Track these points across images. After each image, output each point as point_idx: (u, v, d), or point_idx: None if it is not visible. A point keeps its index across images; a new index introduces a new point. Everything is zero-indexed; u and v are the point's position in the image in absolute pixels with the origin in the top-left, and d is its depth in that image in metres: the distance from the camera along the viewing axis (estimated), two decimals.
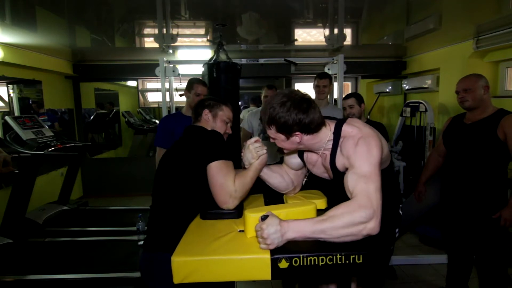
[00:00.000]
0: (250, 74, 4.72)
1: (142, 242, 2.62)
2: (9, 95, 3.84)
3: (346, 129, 1.22)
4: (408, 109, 3.96)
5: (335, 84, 3.49)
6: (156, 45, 3.34)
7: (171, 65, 3.45)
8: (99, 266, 2.41)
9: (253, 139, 1.39)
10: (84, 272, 2.28)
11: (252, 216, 1.11)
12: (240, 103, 4.27)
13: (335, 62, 3.49)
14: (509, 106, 2.24)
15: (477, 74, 2.02)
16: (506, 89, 3.47)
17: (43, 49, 3.84)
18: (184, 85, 2.63)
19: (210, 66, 2.65)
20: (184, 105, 2.62)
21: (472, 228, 2.08)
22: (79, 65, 4.75)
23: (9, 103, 3.85)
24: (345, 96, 2.56)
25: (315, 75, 2.91)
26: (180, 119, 2.45)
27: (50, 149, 2.82)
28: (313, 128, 1.19)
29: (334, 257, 0.98)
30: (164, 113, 3.43)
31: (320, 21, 3.03)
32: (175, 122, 2.43)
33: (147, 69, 4.39)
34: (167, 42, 3.06)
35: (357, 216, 1.01)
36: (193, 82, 2.44)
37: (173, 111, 3.51)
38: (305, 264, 0.98)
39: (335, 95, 3.54)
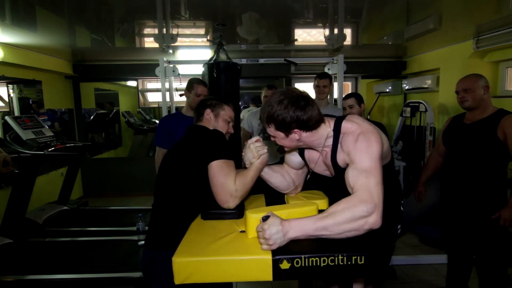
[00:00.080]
0: (250, 74, 4.72)
1: (142, 242, 2.63)
2: (9, 95, 3.84)
3: (345, 125, 1.23)
4: (408, 109, 3.96)
5: (335, 84, 3.49)
6: (156, 45, 3.33)
7: (171, 65, 3.45)
8: (99, 266, 2.40)
9: (254, 139, 1.39)
10: (84, 272, 2.28)
11: (253, 217, 1.11)
12: (240, 103, 4.26)
13: (335, 62, 3.49)
14: (509, 106, 2.24)
15: (477, 74, 2.02)
16: (506, 89, 3.47)
17: (43, 49, 3.84)
18: (184, 85, 2.63)
19: (210, 66, 2.65)
20: (184, 105, 2.62)
21: (472, 228, 2.08)
22: (79, 65, 4.74)
23: (9, 103, 3.85)
24: (345, 96, 2.56)
25: (315, 75, 2.91)
26: (180, 119, 2.45)
27: (50, 149, 2.82)
28: (311, 125, 1.20)
29: (336, 258, 0.98)
30: (164, 113, 3.43)
31: (320, 21, 3.03)
32: (175, 122, 2.44)
33: (147, 69, 4.38)
34: (167, 42, 3.06)
35: (358, 210, 1.02)
36: (193, 82, 2.43)
37: (173, 111, 3.51)
38: (306, 265, 0.98)
39: (335, 95, 3.54)
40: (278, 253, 0.99)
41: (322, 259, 0.98)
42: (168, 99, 3.53)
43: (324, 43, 3.41)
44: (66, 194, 3.74)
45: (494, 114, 1.95)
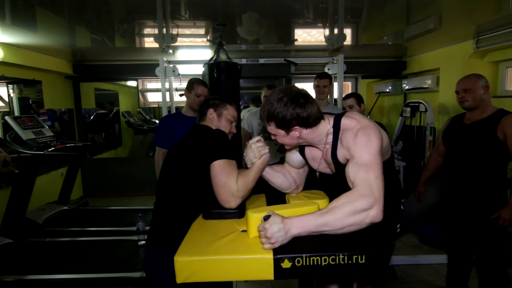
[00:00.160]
0: (250, 74, 4.72)
1: (142, 242, 2.63)
2: (9, 95, 3.84)
3: (345, 122, 1.23)
4: (408, 109, 3.96)
5: (335, 84, 3.49)
6: (156, 45, 3.33)
7: (171, 65, 3.45)
8: (99, 266, 2.40)
9: (255, 139, 1.39)
10: (84, 272, 2.28)
11: (255, 216, 1.11)
12: (240, 103, 4.27)
13: (335, 62, 3.49)
14: (509, 106, 2.25)
15: (477, 74, 2.02)
16: (506, 89, 3.48)
17: (43, 49, 3.84)
18: (184, 85, 2.63)
19: (211, 66, 2.65)
20: (184, 105, 2.62)
21: (472, 228, 2.08)
22: (79, 65, 4.74)
23: (9, 103, 3.85)
24: (345, 96, 2.56)
25: (315, 75, 2.91)
26: (180, 119, 2.45)
27: (50, 149, 2.82)
28: (311, 122, 1.20)
29: (337, 257, 0.98)
30: (164, 113, 3.42)
31: (320, 21, 3.03)
32: (175, 122, 2.43)
33: (147, 69, 4.38)
34: (167, 42, 3.06)
35: (359, 204, 1.02)
36: (193, 82, 2.43)
37: (173, 111, 3.51)
38: (307, 264, 0.98)
39: (335, 95, 3.54)
40: (279, 252, 0.99)
41: (323, 258, 0.98)
42: (168, 99, 3.53)
43: (324, 43, 3.41)
44: (66, 194, 3.74)
45: (494, 114, 1.95)
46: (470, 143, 1.99)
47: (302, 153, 1.44)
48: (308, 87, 3.70)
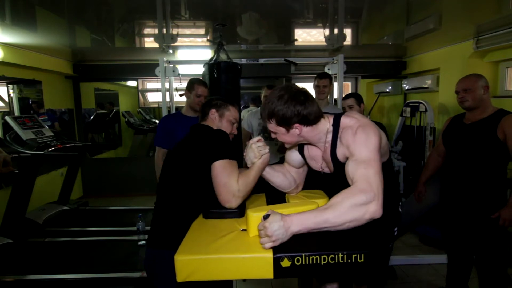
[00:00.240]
0: (250, 74, 4.72)
1: (142, 242, 2.63)
2: (9, 95, 3.84)
3: (344, 120, 1.25)
4: (408, 109, 3.96)
5: (335, 84, 3.49)
6: (156, 45, 3.33)
7: (171, 65, 3.45)
8: (99, 266, 2.40)
9: (255, 139, 1.40)
10: (84, 272, 2.28)
11: (254, 216, 1.11)
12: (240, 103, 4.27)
13: (335, 62, 3.49)
14: (509, 106, 2.25)
15: (477, 74, 2.02)
16: (506, 89, 3.48)
17: (43, 49, 3.84)
18: (184, 85, 2.63)
19: (211, 66, 2.65)
20: (184, 105, 2.62)
21: (471, 228, 2.08)
22: (79, 65, 4.74)
23: (9, 103, 3.85)
24: (345, 96, 2.56)
25: (315, 75, 2.91)
26: (180, 119, 2.45)
27: (50, 149, 2.82)
28: (312, 119, 1.21)
29: (336, 256, 0.98)
30: (164, 113, 3.43)
31: (320, 21, 3.03)
32: (175, 122, 2.43)
33: (147, 69, 4.38)
34: (167, 42, 3.06)
35: (358, 200, 1.02)
36: (194, 82, 2.43)
37: (173, 111, 3.51)
38: (307, 263, 0.98)
39: (335, 95, 3.55)
40: (279, 251, 1.00)
41: (322, 257, 0.98)
42: (168, 99, 3.54)
43: (324, 43, 3.41)
44: (66, 194, 3.74)
45: (494, 114, 1.95)
46: (470, 143, 1.99)
47: (301, 152, 1.44)
48: (308, 87, 3.70)
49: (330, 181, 1.38)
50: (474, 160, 1.98)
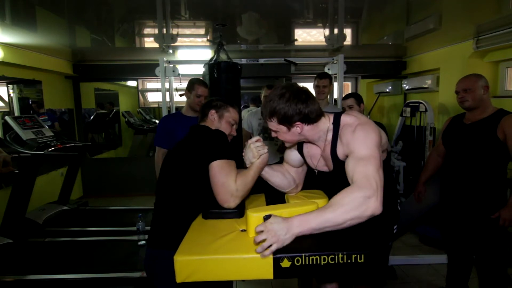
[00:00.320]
0: (250, 74, 4.72)
1: (142, 242, 2.63)
2: (9, 95, 3.84)
3: (344, 119, 1.26)
4: (408, 109, 3.96)
5: (335, 84, 3.49)
6: (156, 45, 3.33)
7: (171, 65, 3.45)
8: (99, 266, 2.40)
9: (254, 139, 1.40)
10: (84, 272, 2.28)
11: (254, 216, 1.11)
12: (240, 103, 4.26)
13: (335, 62, 3.49)
14: (509, 106, 2.25)
15: (477, 74, 2.02)
16: (506, 89, 3.48)
17: (43, 49, 3.84)
18: (184, 85, 2.63)
19: (211, 66, 2.65)
20: (184, 105, 2.62)
21: (471, 228, 2.08)
22: (79, 65, 4.74)
23: (9, 103, 3.85)
24: (344, 96, 2.56)
25: (315, 75, 2.91)
26: (180, 119, 2.45)
27: (50, 149, 2.82)
28: (313, 118, 1.22)
29: (336, 256, 0.98)
30: (164, 113, 3.43)
31: (320, 21, 3.03)
32: (175, 122, 2.43)
33: (147, 69, 4.38)
34: (167, 42, 3.06)
35: (358, 197, 1.03)
36: (194, 82, 2.42)
37: (173, 111, 3.51)
38: (307, 263, 0.98)
39: (335, 95, 3.55)
40: (278, 251, 0.99)
41: (322, 257, 0.98)
42: (168, 99, 3.54)
43: (324, 43, 3.41)
44: (66, 194, 3.74)
45: (494, 114, 1.95)
46: (470, 143, 1.99)
47: (300, 151, 1.45)
48: (308, 87, 3.71)
49: (329, 180, 1.38)
50: (474, 160, 1.98)
